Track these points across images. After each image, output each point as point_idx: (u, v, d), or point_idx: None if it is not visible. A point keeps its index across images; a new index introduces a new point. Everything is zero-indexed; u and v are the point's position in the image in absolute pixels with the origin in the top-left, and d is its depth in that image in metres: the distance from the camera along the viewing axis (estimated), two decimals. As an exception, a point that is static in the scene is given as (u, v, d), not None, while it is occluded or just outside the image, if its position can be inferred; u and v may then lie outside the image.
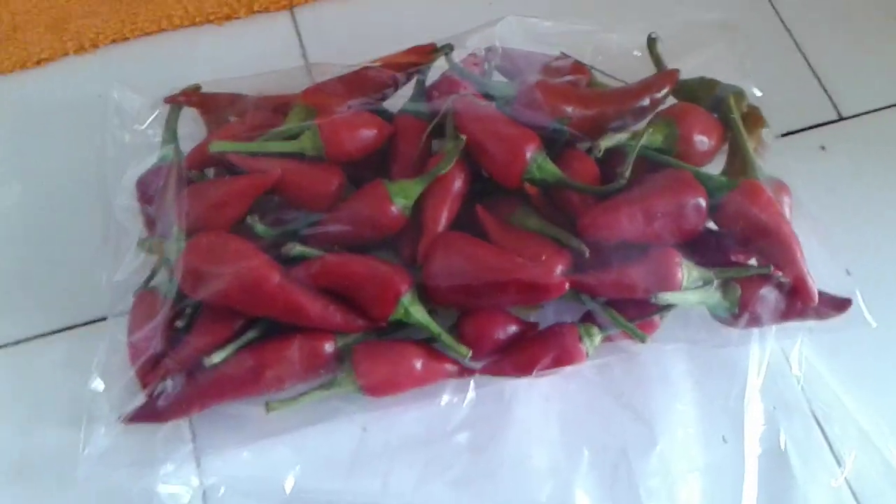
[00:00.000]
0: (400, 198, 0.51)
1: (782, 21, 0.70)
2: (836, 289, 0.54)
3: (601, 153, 0.52)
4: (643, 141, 0.52)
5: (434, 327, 0.51)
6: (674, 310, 0.53)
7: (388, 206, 0.51)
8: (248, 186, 0.52)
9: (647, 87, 0.56)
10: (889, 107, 0.67)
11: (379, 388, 0.51)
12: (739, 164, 0.55)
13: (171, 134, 0.57)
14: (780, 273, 0.52)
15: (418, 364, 0.51)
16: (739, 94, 0.57)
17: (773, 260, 0.52)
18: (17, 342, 0.56)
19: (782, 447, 0.54)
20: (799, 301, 0.52)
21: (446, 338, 0.51)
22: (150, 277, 0.53)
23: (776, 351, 0.56)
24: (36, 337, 0.56)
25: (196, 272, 0.49)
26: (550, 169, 0.52)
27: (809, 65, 0.68)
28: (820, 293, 0.52)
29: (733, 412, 0.54)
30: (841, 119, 0.66)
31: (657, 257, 0.51)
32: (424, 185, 0.52)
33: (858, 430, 0.55)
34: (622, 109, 0.55)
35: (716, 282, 0.52)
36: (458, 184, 0.53)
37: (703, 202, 0.51)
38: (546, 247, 0.52)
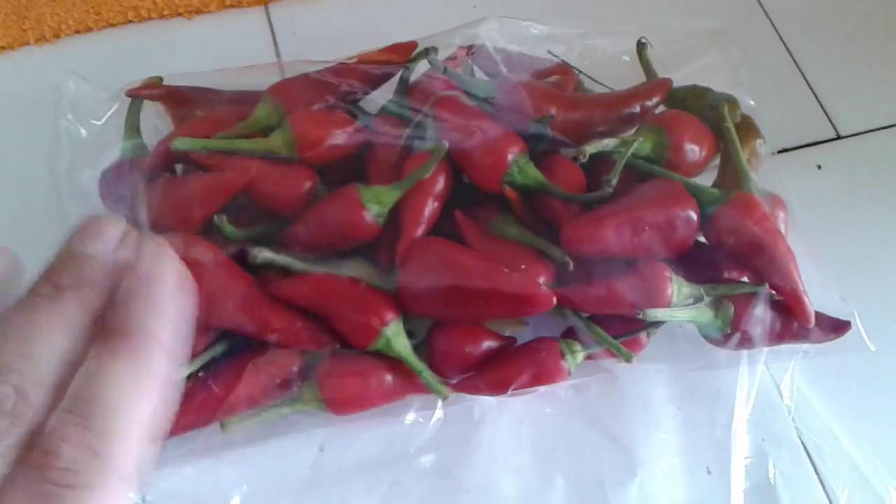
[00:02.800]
0: (374, 204, 0.48)
1: (779, 35, 0.67)
2: (830, 313, 0.51)
3: (586, 159, 0.49)
4: (633, 149, 0.49)
5: (416, 363, 0.47)
6: (660, 328, 0.50)
7: (361, 212, 0.47)
8: (220, 185, 0.48)
9: (637, 94, 0.53)
10: (888, 127, 0.64)
11: (345, 404, 0.47)
12: (732, 175, 0.52)
13: (133, 128, 0.53)
14: (774, 292, 0.49)
15: (388, 378, 0.47)
16: (732, 103, 0.54)
17: (768, 277, 0.48)
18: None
19: (771, 481, 0.50)
20: (794, 321, 0.49)
21: (428, 375, 0.47)
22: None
23: (766, 378, 0.53)
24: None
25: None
26: (533, 173, 0.49)
27: (807, 81, 0.65)
28: (817, 314, 0.49)
29: (719, 442, 0.51)
30: (839, 138, 0.63)
31: (646, 271, 0.47)
32: (402, 191, 0.48)
33: (852, 466, 0.51)
34: (610, 115, 0.52)
35: (707, 299, 0.48)
36: (439, 186, 0.49)
37: (694, 215, 0.48)
38: (527, 257, 0.48)
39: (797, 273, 0.48)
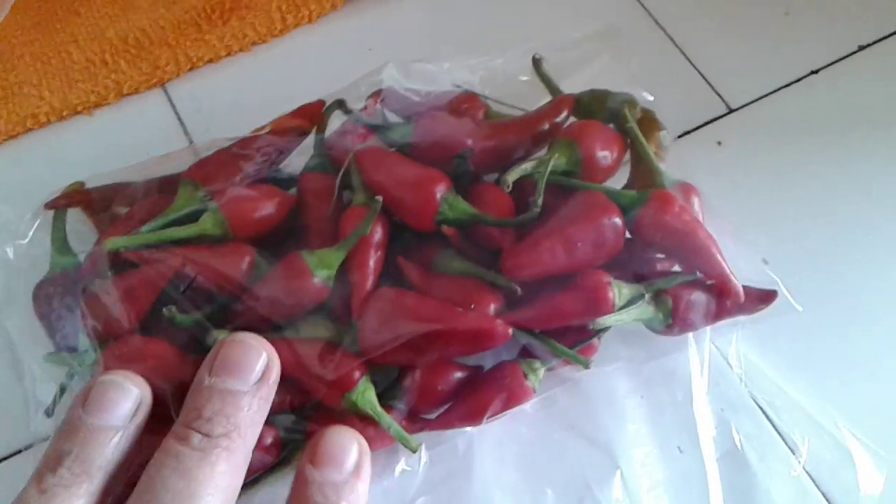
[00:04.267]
0: (321, 269, 0.49)
1: (657, 22, 0.71)
2: (756, 279, 0.55)
3: (510, 188, 0.51)
4: (550, 167, 0.51)
5: (383, 419, 0.48)
6: (610, 329, 0.52)
7: (310, 280, 0.48)
8: (147, 280, 0.48)
9: (545, 114, 0.55)
10: (774, 91, 0.68)
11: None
12: (644, 172, 0.55)
13: (60, 240, 0.53)
14: (696, 276, 0.52)
15: (371, 430, 0.48)
16: (631, 102, 0.57)
17: (696, 265, 0.52)
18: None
19: (738, 446, 0.53)
20: (727, 300, 0.52)
21: (396, 430, 0.48)
22: (62, 392, 0.49)
23: (713, 352, 0.56)
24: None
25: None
26: (463, 207, 0.51)
27: (691, 62, 0.69)
28: (745, 288, 0.52)
29: (684, 421, 0.54)
30: (731, 111, 0.67)
31: (587, 282, 0.50)
32: (345, 251, 0.49)
33: (805, 415, 0.55)
34: (523, 138, 0.54)
35: (647, 295, 0.51)
36: (378, 236, 0.51)
37: (619, 221, 0.50)
38: (474, 289, 0.50)
39: (720, 255, 0.51)
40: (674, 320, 0.52)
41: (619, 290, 0.50)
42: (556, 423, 0.54)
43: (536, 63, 0.59)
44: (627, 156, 0.57)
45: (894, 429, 0.55)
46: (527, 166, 0.52)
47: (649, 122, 0.57)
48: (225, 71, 0.68)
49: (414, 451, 0.49)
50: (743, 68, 0.69)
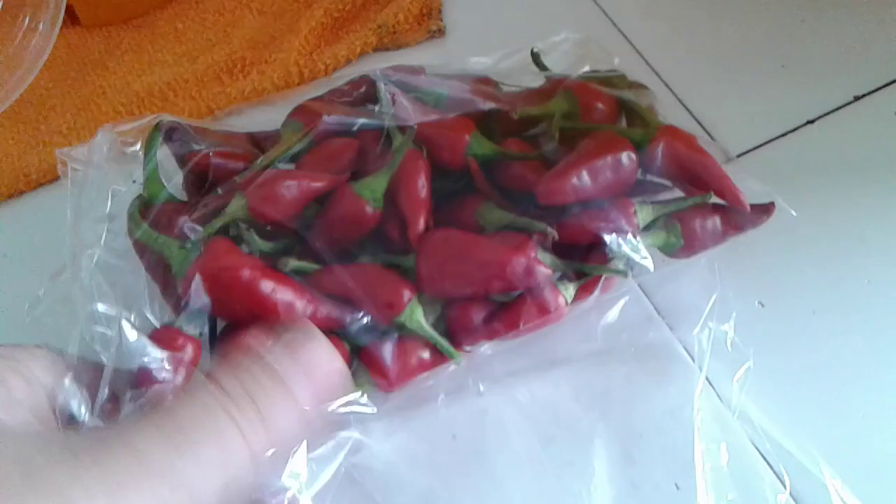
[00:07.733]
0: (367, 191, 0.54)
1: (658, 76, 0.77)
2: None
3: (517, 116, 0.58)
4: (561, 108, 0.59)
5: (431, 333, 0.53)
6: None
7: (361, 204, 0.54)
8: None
9: (550, 86, 0.63)
10: (771, 140, 0.73)
11: (394, 380, 0.53)
12: (639, 123, 0.61)
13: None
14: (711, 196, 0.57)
15: (426, 354, 0.53)
16: (622, 76, 0.65)
17: (704, 187, 0.57)
18: None
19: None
20: (733, 215, 0.58)
21: (441, 344, 0.53)
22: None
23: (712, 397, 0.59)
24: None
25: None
26: (489, 145, 0.57)
27: (692, 114, 0.75)
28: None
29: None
30: (729, 160, 0.72)
31: (614, 203, 0.55)
32: (388, 176, 0.55)
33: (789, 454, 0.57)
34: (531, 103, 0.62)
35: (659, 219, 0.57)
36: (422, 167, 0.56)
37: (633, 154, 0.56)
38: (516, 238, 0.55)
39: (727, 175, 0.57)
40: (686, 242, 0.57)
41: (642, 210, 0.55)
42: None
43: (535, 56, 0.67)
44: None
45: (879, 474, 0.56)
46: (533, 109, 0.60)
47: (638, 87, 0.65)
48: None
49: (457, 362, 0.53)
50: (741, 118, 0.74)
